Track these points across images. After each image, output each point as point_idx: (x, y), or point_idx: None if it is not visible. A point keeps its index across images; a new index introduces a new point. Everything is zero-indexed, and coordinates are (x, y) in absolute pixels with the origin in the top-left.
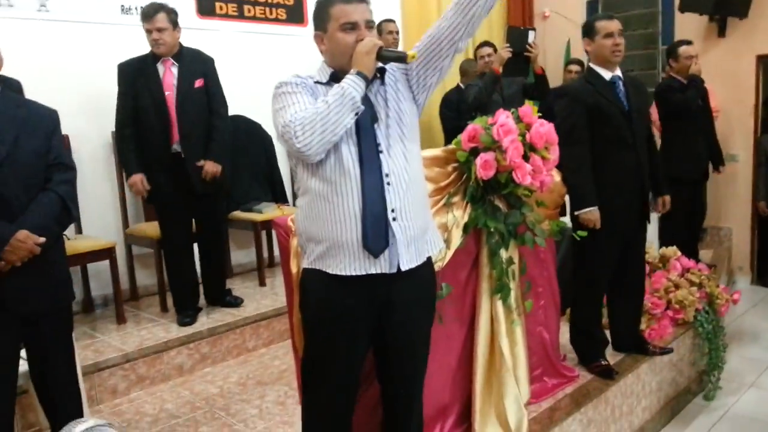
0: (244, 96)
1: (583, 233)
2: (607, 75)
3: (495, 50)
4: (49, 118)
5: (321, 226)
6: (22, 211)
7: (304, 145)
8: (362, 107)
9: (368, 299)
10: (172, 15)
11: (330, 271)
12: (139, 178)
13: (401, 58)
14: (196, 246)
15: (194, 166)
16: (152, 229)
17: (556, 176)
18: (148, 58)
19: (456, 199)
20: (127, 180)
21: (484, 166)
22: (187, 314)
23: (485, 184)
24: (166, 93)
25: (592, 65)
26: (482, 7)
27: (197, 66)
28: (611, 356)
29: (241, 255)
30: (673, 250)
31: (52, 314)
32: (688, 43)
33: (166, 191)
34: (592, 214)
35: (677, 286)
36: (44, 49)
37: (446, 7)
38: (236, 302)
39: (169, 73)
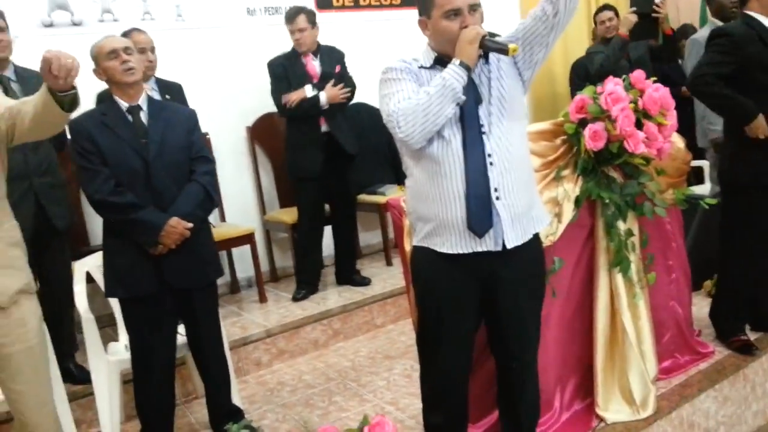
0: (365, 84)
1: (712, 201)
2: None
3: (616, 14)
4: (189, 117)
5: (428, 205)
6: (173, 200)
7: (406, 135)
8: (463, 98)
9: (475, 276)
10: (311, 16)
11: (438, 249)
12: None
13: (503, 51)
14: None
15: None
16: (287, 215)
17: (679, 142)
18: (292, 54)
19: (566, 172)
20: None
21: (593, 137)
22: (302, 288)
23: (597, 156)
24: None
25: (751, 12)
26: None
27: (333, 57)
28: (750, 333)
29: (368, 236)
30: None
31: (202, 288)
32: None
33: (316, 168)
34: (758, 122)
35: None
36: (182, 55)
37: None
38: (364, 282)
39: (311, 66)
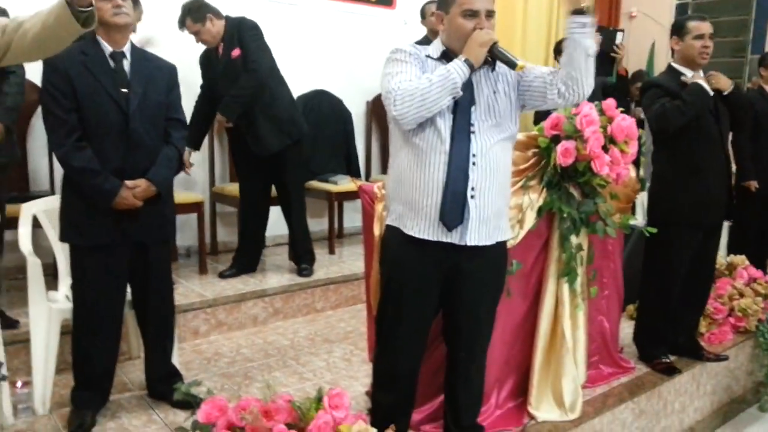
0: (329, 72)
1: (653, 229)
2: (689, 75)
3: None
4: (171, 73)
5: (406, 189)
6: (148, 155)
7: (400, 114)
8: (461, 92)
9: (437, 263)
10: (197, 13)
11: (406, 231)
12: None
13: (510, 63)
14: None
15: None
16: (237, 189)
17: (632, 171)
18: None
19: (533, 182)
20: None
21: (564, 154)
22: (233, 267)
23: (563, 171)
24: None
25: (674, 64)
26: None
27: (235, 39)
28: None
29: (314, 223)
30: (741, 259)
31: (158, 245)
32: None
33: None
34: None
35: (741, 294)
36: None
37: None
38: (301, 272)
39: (221, 52)
